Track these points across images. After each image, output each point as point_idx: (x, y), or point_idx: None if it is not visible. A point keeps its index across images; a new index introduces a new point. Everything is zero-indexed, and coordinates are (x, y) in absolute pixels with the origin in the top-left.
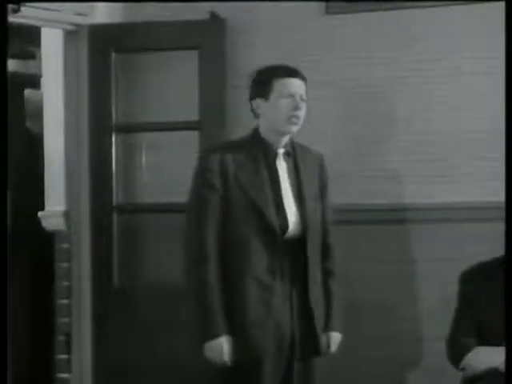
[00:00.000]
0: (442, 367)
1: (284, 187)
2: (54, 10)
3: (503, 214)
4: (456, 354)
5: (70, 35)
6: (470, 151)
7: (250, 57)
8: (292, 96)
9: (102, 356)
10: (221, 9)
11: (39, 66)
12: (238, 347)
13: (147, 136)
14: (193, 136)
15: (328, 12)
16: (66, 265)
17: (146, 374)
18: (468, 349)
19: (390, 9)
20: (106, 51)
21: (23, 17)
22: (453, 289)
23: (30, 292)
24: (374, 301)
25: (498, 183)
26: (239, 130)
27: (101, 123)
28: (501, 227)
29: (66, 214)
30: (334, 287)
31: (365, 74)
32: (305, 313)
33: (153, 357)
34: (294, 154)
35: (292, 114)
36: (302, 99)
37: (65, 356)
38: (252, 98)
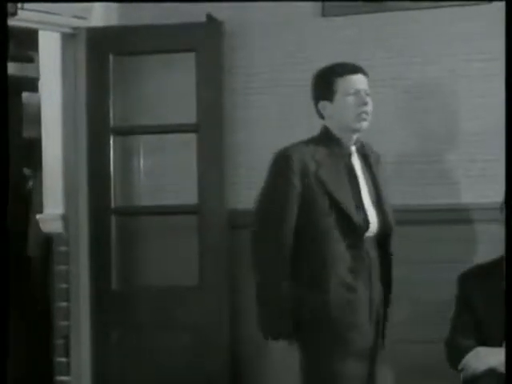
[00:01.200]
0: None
1: (362, 185)
2: (52, 13)
3: (499, 215)
4: (455, 355)
5: (68, 38)
6: (462, 153)
7: (247, 59)
8: (357, 92)
9: (101, 359)
10: (217, 11)
11: (37, 69)
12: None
13: (145, 139)
14: (190, 138)
15: (324, 14)
16: (64, 268)
17: (144, 377)
18: (466, 350)
19: (386, 10)
20: (103, 54)
21: (21, 20)
22: (444, 291)
23: (29, 295)
24: None
25: (495, 185)
26: (236, 133)
27: (99, 126)
28: (497, 228)
29: (65, 217)
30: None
31: None
32: (383, 313)
33: (151, 359)
34: (365, 152)
35: (360, 110)
36: (366, 94)
37: (64, 359)
38: (317, 100)
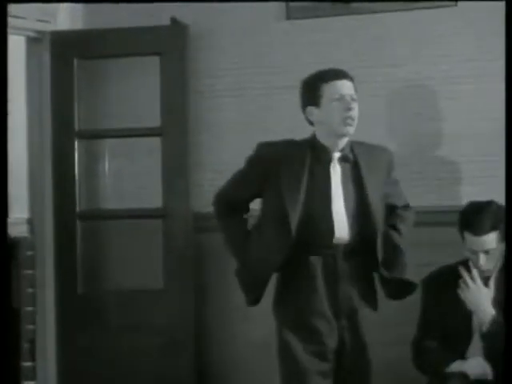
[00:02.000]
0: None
1: (335, 193)
2: (17, 17)
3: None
4: (420, 357)
5: (33, 42)
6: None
7: (212, 62)
8: (342, 97)
9: (67, 363)
10: (182, 14)
11: None
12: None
13: (110, 142)
14: (155, 142)
15: (289, 17)
16: (30, 272)
17: (111, 381)
18: (432, 352)
19: (350, 13)
20: (68, 58)
21: None
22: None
23: None
24: None
25: (495, 185)
26: (201, 136)
27: (63, 130)
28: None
29: (30, 221)
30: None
31: None
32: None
33: (117, 362)
34: (355, 158)
35: (345, 115)
36: (352, 99)
37: (30, 363)
38: (304, 107)
